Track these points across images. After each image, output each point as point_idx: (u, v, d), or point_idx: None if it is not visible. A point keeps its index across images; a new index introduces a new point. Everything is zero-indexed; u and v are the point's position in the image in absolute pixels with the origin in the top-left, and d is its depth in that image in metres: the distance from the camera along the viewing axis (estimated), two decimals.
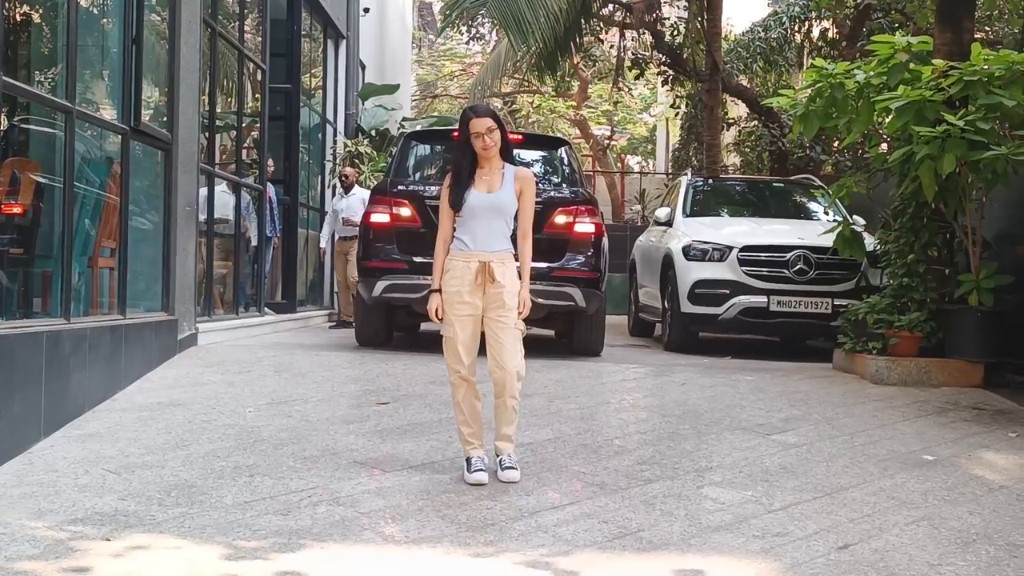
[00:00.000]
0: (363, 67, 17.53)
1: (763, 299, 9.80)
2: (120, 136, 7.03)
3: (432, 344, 10.04)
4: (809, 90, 8.61)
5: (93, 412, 5.92)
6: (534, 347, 10.57)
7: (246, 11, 11.49)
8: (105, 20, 7.63)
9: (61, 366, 5.59)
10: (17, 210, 6.16)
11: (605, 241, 9.12)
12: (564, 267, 8.71)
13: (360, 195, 12.13)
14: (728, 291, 9.88)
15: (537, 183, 9.43)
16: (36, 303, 6.42)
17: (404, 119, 17.49)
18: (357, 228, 11.43)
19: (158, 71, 8.03)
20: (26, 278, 6.33)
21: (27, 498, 4.38)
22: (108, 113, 7.37)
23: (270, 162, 11.84)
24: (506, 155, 5.03)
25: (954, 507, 4.71)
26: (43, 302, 6.40)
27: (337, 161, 14.50)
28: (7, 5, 5.49)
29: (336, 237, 12.77)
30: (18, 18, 6.76)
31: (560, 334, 10.47)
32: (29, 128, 6.88)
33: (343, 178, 12.67)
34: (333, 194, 15.21)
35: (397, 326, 9.91)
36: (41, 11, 7.23)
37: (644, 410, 6.71)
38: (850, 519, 4.48)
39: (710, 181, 13.04)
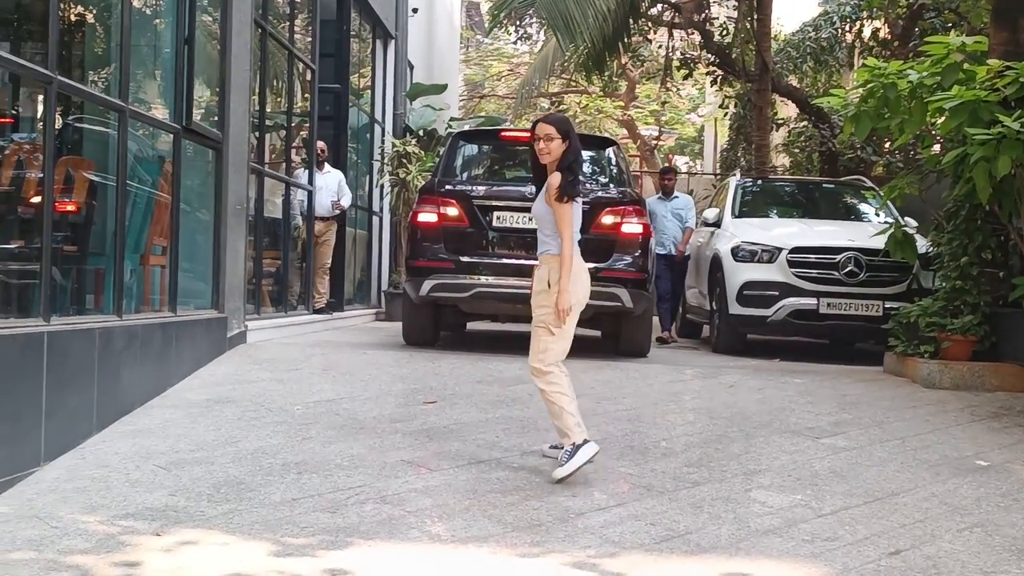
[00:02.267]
0: (411, 67, 17.59)
1: (813, 301, 9.70)
2: (172, 135, 7.11)
3: (478, 343, 10.08)
4: (861, 90, 8.51)
5: (144, 408, 5.99)
6: (580, 348, 10.53)
7: (296, 11, 11.58)
8: (158, 20, 7.71)
9: (113, 362, 5.66)
10: (71, 208, 6.24)
11: (653, 242, 9.09)
12: (611, 267, 8.69)
13: (336, 175, 11.95)
14: (777, 293, 9.79)
15: (584, 183, 9.45)
16: (89, 300, 6.51)
17: (452, 119, 17.55)
18: (335, 211, 11.48)
19: (209, 71, 8.11)
20: (80, 275, 6.42)
21: (79, 492, 4.44)
22: (160, 112, 7.45)
23: (321, 146, 11.80)
24: (565, 164, 5.15)
25: (1008, 514, 4.63)
26: (96, 299, 6.49)
27: (385, 161, 14.56)
28: (61, 6, 5.56)
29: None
30: (72, 18, 6.85)
31: (607, 335, 10.42)
32: (83, 127, 6.98)
33: (319, 152, 11.73)
34: (381, 195, 15.29)
35: (444, 325, 9.94)
36: (95, 11, 7.33)
37: (692, 412, 6.67)
38: (901, 525, 4.42)
39: (759, 182, 12.94)
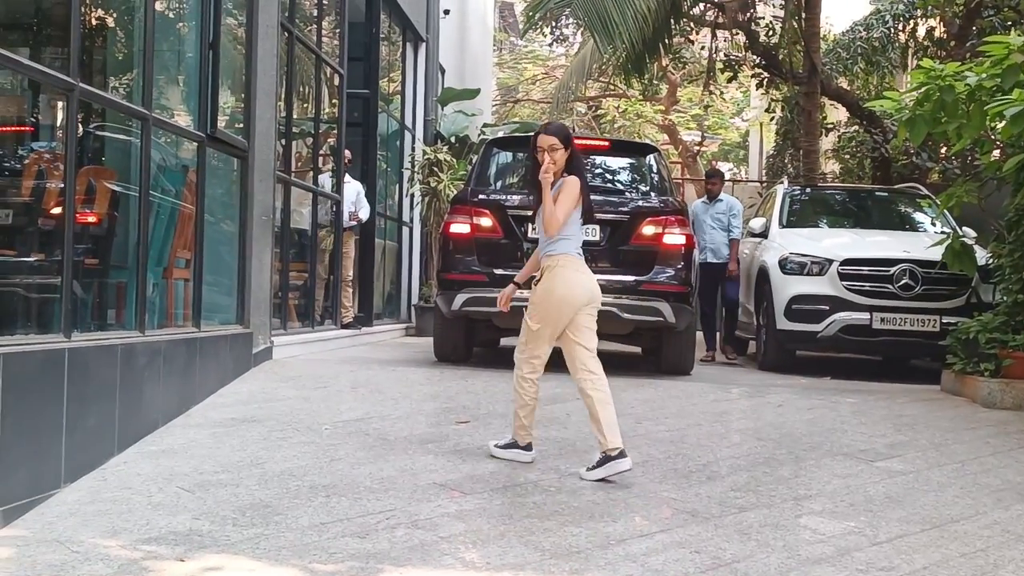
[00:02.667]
0: (443, 71, 17.67)
1: (865, 316, 9.65)
2: (196, 143, 7.18)
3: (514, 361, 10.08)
4: (916, 93, 8.46)
5: (167, 427, 6.04)
6: (619, 365, 10.57)
7: (323, 14, 11.66)
8: (181, 24, 7.80)
9: (136, 380, 5.71)
10: (92, 219, 6.31)
11: (696, 253, 9.07)
12: (652, 280, 8.69)
13: (355, 187, 11.97)
14: (827, 307, 9.75)
15: (624, 192, 9.45)
16: (111, 315, 6.57)
17: (485, 125, 17.59)
18: (352, 223, 11.51)
19: (234, 77, 8.19)
20: (101, 289, 6.48)
21: (101, 515, 4.48)
22: (183, 120, 7.53)
23: (348, 154, 11.86)
24: (575, 169, 5.58)
25: None
26: (118, 314, 6.55)
27: (416, 169, 14.62)
28: (82, 10, 5.63)
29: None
30: (93, 22, 6.93)
31: (647, 351, 10.41)
32: (104, 135, 7.06)
33: (347, 161, 11.88)
34: (411, 205, 15.34)
35: (477, 341, 9.96)
36: (117, 15, 7.42)
37: (738, 433, 6.64)
38: (962, 554, 4.37)
39: (808, 190, 12.90)
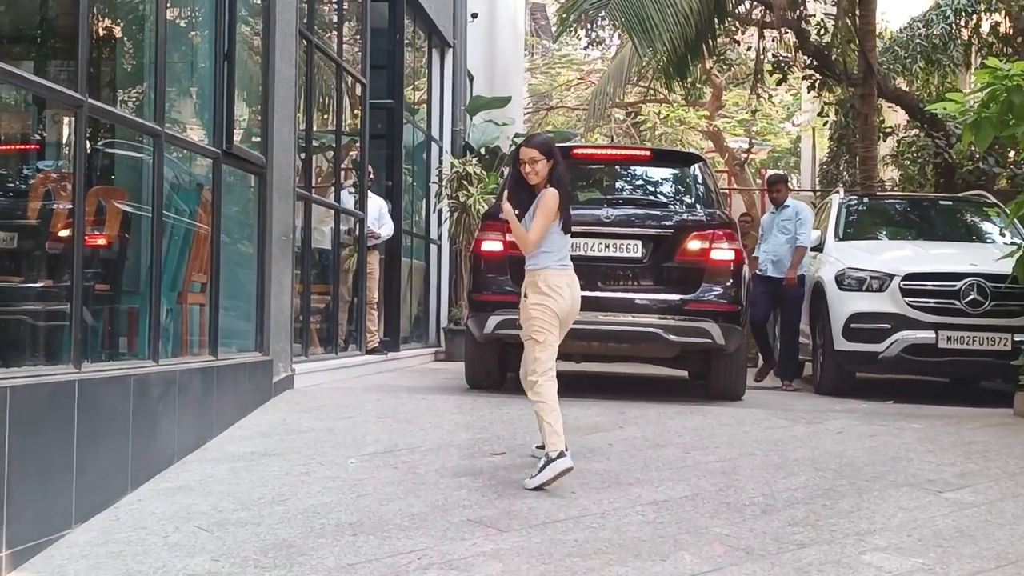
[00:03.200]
0: (471, 78, 17.74)
1: (930, 334, 9.58)
2: (211, 160, 7.24)
3: None
4: (981, 94, 8.41)
5: (183, 462, 6.07)
6: (665, 390, 10.54)
7: (344, 20, 11.74)
8: (194, 34, 7.88)
9: (149, 412, 5.75)
10: (102, 242, 6.38)
11: (746, 269, 9.04)
12: (699, 299, 8.66)
13: (377, 203, 12.01)
14: (889, 325, 9.69)
15: (667, 205, 9.45)
16: (123, 343, 6.63)
17: (516, 135, 17.62)
18: (371, 241, 11.50)
19: (250, 88, 8.26)
20: (112, 316, 6.54)
21: (114, 557, 4.50)
22: (197, 135, 7.60)
23: (370, 171, 11.89)
24: (555, 180, 6.04)
25: None
26: (130, 342, 6.60)
27: (444, 183, 14.67)
28: (90, 20, 5.69)
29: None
30: (101, 33, 7.01)
31: (695, 375, 10.38)
32: (114, 153, 7.14)
33: (371, 177, 11.99)
34: (439, 221, 15.38)
35: (511, 366, 9.94)
36: (125, 26, 7.50)
37: (794, 463, 6.59)
38: None
39: (865, 199, 12.83)
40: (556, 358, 6.00)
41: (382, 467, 6.12)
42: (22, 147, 7.53)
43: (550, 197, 5.96)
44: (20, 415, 4.44)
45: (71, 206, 5.41)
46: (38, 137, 7.55)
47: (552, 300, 5.97)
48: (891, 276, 9.83)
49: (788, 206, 11.29)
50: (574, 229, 8.78)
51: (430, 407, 8.20)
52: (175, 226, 6.89)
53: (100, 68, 6.91)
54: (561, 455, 5.65)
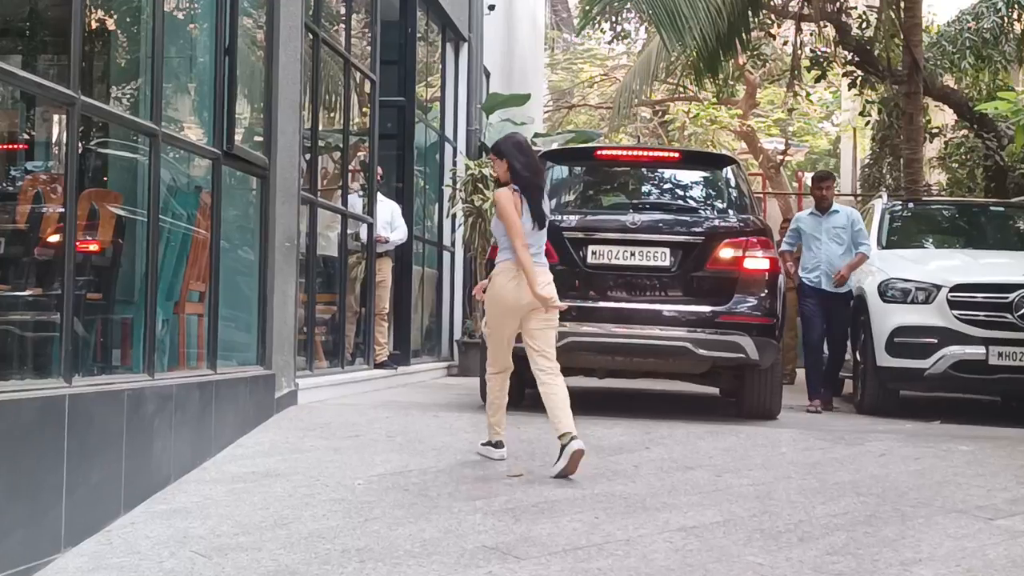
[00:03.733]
0: (487, 75, 17.78)
1: (980, 350, 9.53)
2: (211, 161, 7.26)
3: (573, 404, 10.06)
4: None
5: (179, 483, 6.09)
6: (694, 409, 10.53)
7: (352, 12, 11.77)
8: (193, 26, 7.92)
9: (144, 430, 5.77)
10: (95, 248, 6.41)
11: (782, 279, 9.03)
12: (732, 311, 8.66)
13: (389, 206, 12.05)
14: (936, 340, 9.64)
15: (697, 210, 9.45)
16: (115, 355, 6.66)
17: (536, 135, 17.65)
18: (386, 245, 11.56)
19: (253, 85, 8.29)
20: (104, 327, 6.57)
21: None
22: (196, 135, 7.63)
23: (380, 173, 11.90)
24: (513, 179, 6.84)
25: None
26: (123, 354, 6.64)
27: (458, 186, 14.70)
28: (84, 12, 5.70)
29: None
30: (94, 25, 7.05)
31: (727, 392, 10.35)
32: (108, 153, 7.18)
33: (380, 178, 12.08)
34: (453, 227, 15.40)
35: (529, 382, 9.93)
36: (120, 18, 7.54)
37: (834, 487, 6.58)
38: None
39: (910, 205, 12.80)
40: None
41: (391, 489, 6.13)
42: (10, 147, 7.58)
43: (498, 199, 6.80)
44: (7, 431, 4.46)
45: (62, 209, 5.43)
46: (27, 136, 7.60)
47: (499, 295, 6.78)
48: (938, 287, 9.79)
49: (837, 211, 10.83)
50: (596, 236, 8.90)
51: (443, 426, 8.21)
52: (172, 231, 6.92)
53: (93, 63, 6.95)
54: (498, 444, 7.01)
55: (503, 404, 7.09)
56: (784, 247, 10.98)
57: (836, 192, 11.44)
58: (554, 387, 6.68)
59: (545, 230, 6.96)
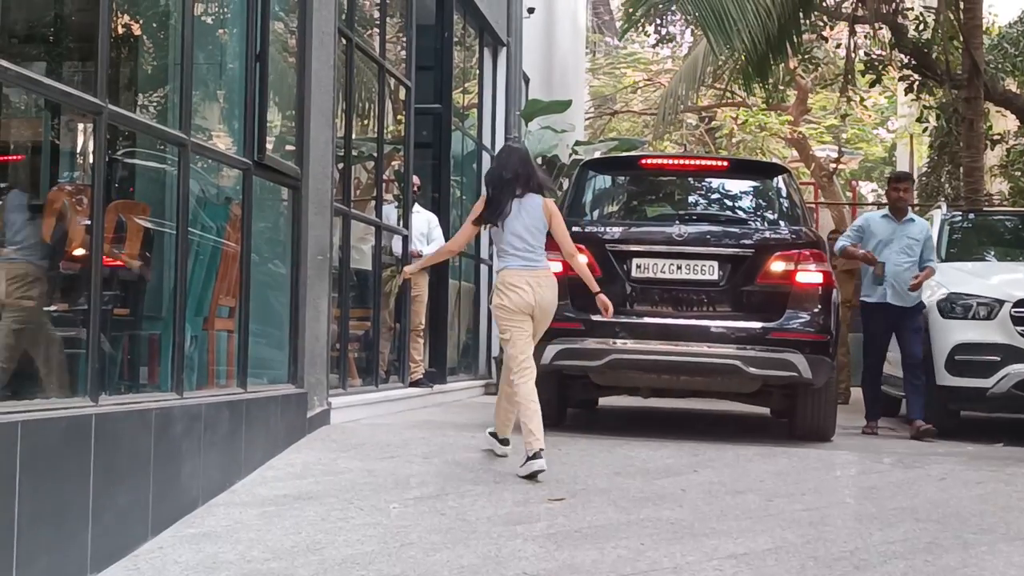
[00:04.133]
0: (526, 80, 17.80)
1: None
2: (241, 172, 7.30)
3: (615, 424, 10.06)
4: None
5: (208, 506, 6.12)
6: (744, 430, 10.47)
7: (387, 16, 11.81)
8: (223, 32, 7.97)
9: (172, 450, 5.80)
10: (122, 263, 6.46)
11: (836, 294, 8.98)
12: (783, 328, 8.61)
13: (426, 216, 12.08)
14: (999, 357, 9.57)
15: (747, 221, 9.43)
16: (143, 373, 6.70)
17: (577, 143, 17.67)
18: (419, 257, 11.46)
19: (284, 92, 8.34)
20: (132, 343, 6.62)
21: None
22: (226, 144, 7.68)
23: (416, 180, 11.92)
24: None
25: None
26: (151, 372, 6.68)
27: None
28: (110, 16, 5.74)
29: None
30: (119, 30, 7.09)
31: (778, 413, 10.30)
32: (135, 164, 7.23)
33: (415, 189, 12.02)
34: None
35: (571, 401, 9.95)
36: (146, 22, 7.59)
37: (891, 512, 6.53)
38: None
39: (971, 216, 12.71)
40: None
41: (428, 513, 6.14)
42: (34, 157, 7.63)
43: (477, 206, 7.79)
44: (32, 452, 4.49)
45: (88, 222, 5.47)
46: (51, 146, 7.65)
47: (507, 298, 7.29)
48: (1001, 302, 9.71)
49: (914, 220, 10.36)
50: (641, 249, 8.89)
51: (480, 446, 8.21)
52: (201, 244, 6.96)
53: (119, 70, 7.00)
54: (537, 455, 6.94)
55: (537, 409, 7.16)
56: (843, 241, 10.47)
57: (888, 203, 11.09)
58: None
59: (545, 231, 7.62)
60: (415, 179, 11.95)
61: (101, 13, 5.43)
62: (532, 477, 6.91)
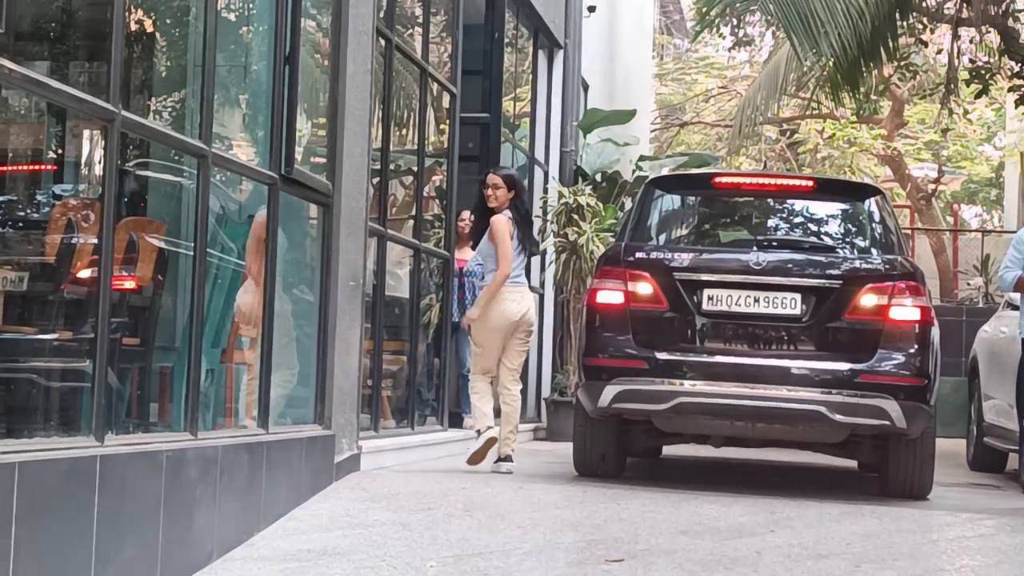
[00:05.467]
0: (586, 87, 17.83)
1: None
2: (267, 187, 7.33)
3: (682, 476, 10.03)
4: None
5: (224, 560, 6.14)
6: (827, 485, 10.40)
7: (431, 14, 11.84)
8: (247, 30, 8.03)
9: (185, 497, 5.83)
10: (132, 285, 6.50)
11: (935, 332, 8.91)
12: (875, 370, 8.56)
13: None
14: None
15: (834, 249, 9.38)
16: (153, 410, 6.74)
17: (641, 158, 17.67)
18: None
19: (315, 99, 8.38)
20: (142, 377, 6.65)
21: None
22: (249, 156, 7.73)
23: (464, 216, 11.94)
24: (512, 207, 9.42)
25: None
26: (162, 409, 6.71)
27: (549, 218, 14.74)
28: (124, 14, 5.77)
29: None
30: (133, 28, 7.16)
31: (867, 466, 10.23)
32: (149, 176, 7.29)
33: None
34: (542, 265, 15.43)
35: (632, 449, 9.92)
36: (163, 20, 7.66)
37: None
38: None
39: None
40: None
41: (469, 573, 6.13)
42: (36, 168, 7.70)
43: (499, 223, 9.22)
44: (29, 498, 4.51)
45: (96, 241, 5.50)
46: (56, 156, 7.72)
47: (487, 317, 9.24)
48: None
49: None
50: (714, 278, 8.88)
51: (529, 499, 8.20)
52: (221, 267, 7.00)
53: (132, 72, 7.05)
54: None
55: (489, 394, 9.56)
56: (1014, 269, 10.13)
57: (997, 229, 11.02)
58: (514, 408, 9.60)
59: (527, 256, 9.55)
60: (466, 216, 11.87)
61: (115, 9, 5.44)
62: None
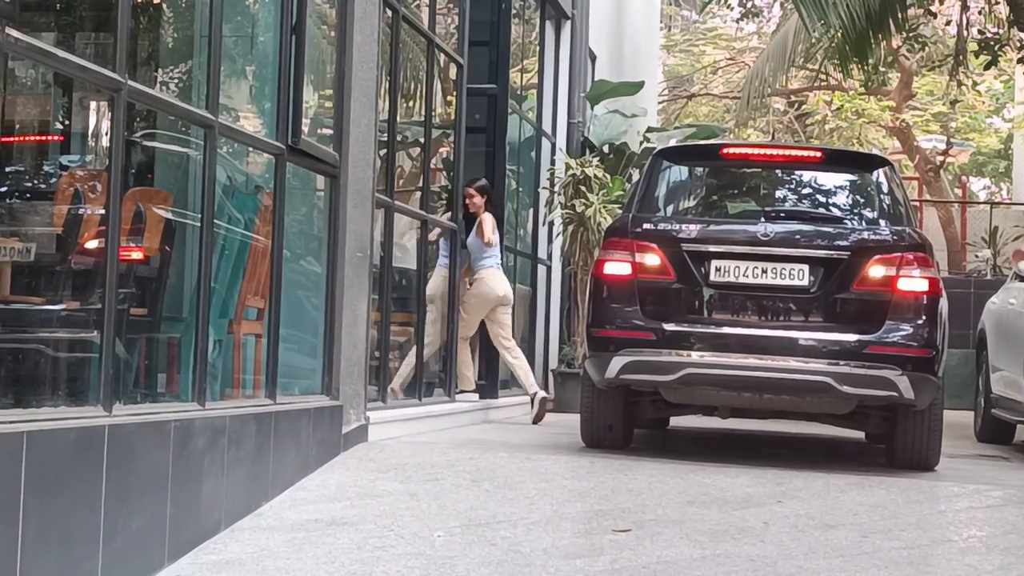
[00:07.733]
0: (593, 58, 17.78)
1: None
2: (273, 157, 7.33)
3: (689, 447, 10.04)
4: None
5: (232, 530, 6.15)
6: (836, 456, 10.41)
7: None
8: (252, 1, 8.01)
9: (192, 467, 5.84)
10: (139, 256, 6.50)
11: (943, 303, 8.90)
12: (882, 341, 8.54)
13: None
14: None
15: (842, 220, 9.37)
16: (161, 381, 6.75)
17: (649, 129, 17.62)
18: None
19: (322, 70, 8.37)
20: (149, 347, 6.66)
21: None
22: (256, 127, 7.72)
23: (473, 192, 11.91)
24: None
25: None
26: (170, 380, 6.72)
27: (556, 189, 14.72)
28: None
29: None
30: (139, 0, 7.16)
31: (874, 437, 10.24)
32: (156, 147, 7.29)
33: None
34: (550, 236, 15.42)
35: (639, 420, 9.92)
36: None
37: (1002, 553, 6.48)
38: None
39: None
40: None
41: (476, 543, 6.14)
42: (44, 139, 7.71)
43: (489, 219, 11.59)
44: (37, 467, 4.51)
45: (103, 211, 5.49)
46: (63, 127, 7.72)
47: (483, 294, 11.63)
48: None
49: None
50: (721, 249, 8.83)
51: (536, 470, 8.21)
52: (228, 238, 7.00)
53: (137, 40, 7.04)
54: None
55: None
56: None
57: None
58: (521, 359, 12.23)
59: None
60: (475, 190, 11.89)
61: None
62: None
